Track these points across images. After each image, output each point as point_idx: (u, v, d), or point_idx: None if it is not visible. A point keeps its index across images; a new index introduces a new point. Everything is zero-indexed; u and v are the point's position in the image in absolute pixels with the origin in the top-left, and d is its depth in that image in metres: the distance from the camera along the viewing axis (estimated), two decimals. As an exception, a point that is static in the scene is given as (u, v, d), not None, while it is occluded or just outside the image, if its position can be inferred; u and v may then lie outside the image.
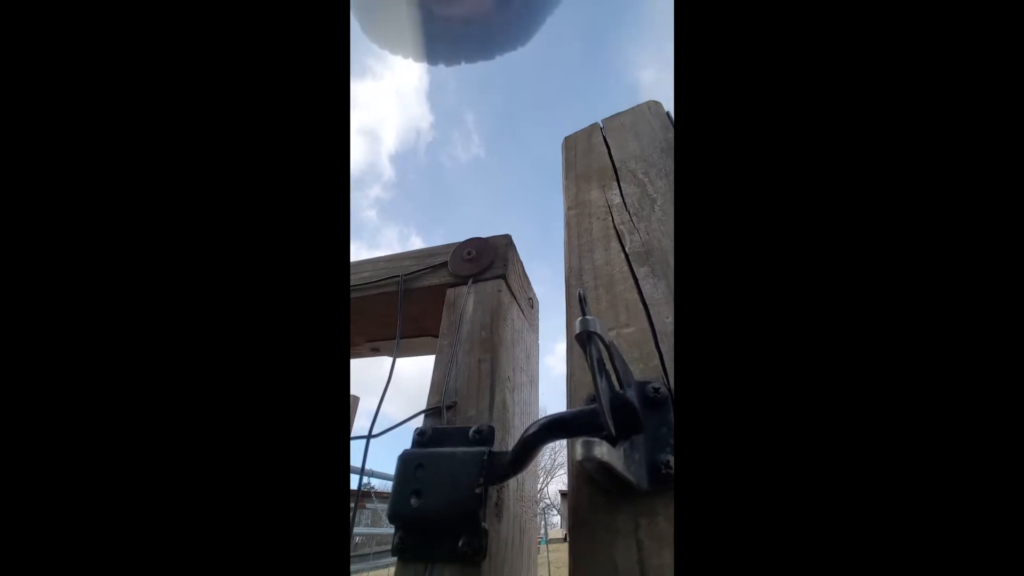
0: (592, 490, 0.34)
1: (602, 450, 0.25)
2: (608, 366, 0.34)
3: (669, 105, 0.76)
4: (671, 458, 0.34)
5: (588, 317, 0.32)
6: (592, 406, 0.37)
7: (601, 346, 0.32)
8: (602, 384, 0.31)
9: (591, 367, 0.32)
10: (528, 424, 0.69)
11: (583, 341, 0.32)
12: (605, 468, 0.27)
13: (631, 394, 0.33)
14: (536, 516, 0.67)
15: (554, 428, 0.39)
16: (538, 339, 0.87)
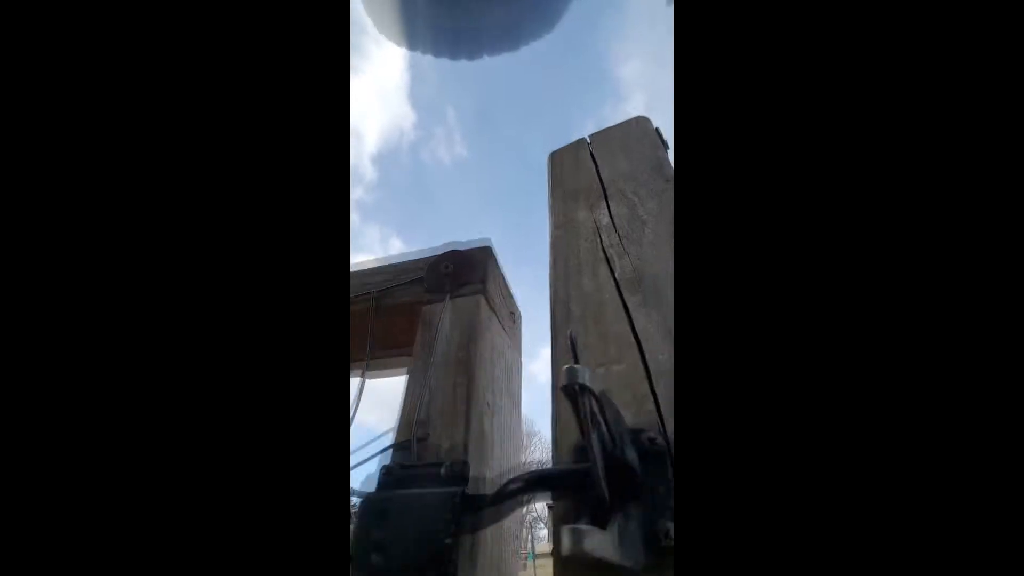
0: (581, 571, 0.30)
1: (593, 543, 0.21)
2: (599, 419, 0.30)
3: (659, 109, 0.74)
4: (671, 526, 0.29)
5: (576, 367, 0.27)
6: (582, 465, 0.33)
7: (591, 400, 0.28)
8: (596, 443, 0.27)
9: (582, 423, 0.28)
10: (509, 450, 0.65)
11: (572, 394, 0.27)
12: (597, 558, 0.23)
13: (630, 454, 0.29)
14: (516, 554, 0.62)
15: (540, 485, 0.35)
16: (521, 355, 0.83)
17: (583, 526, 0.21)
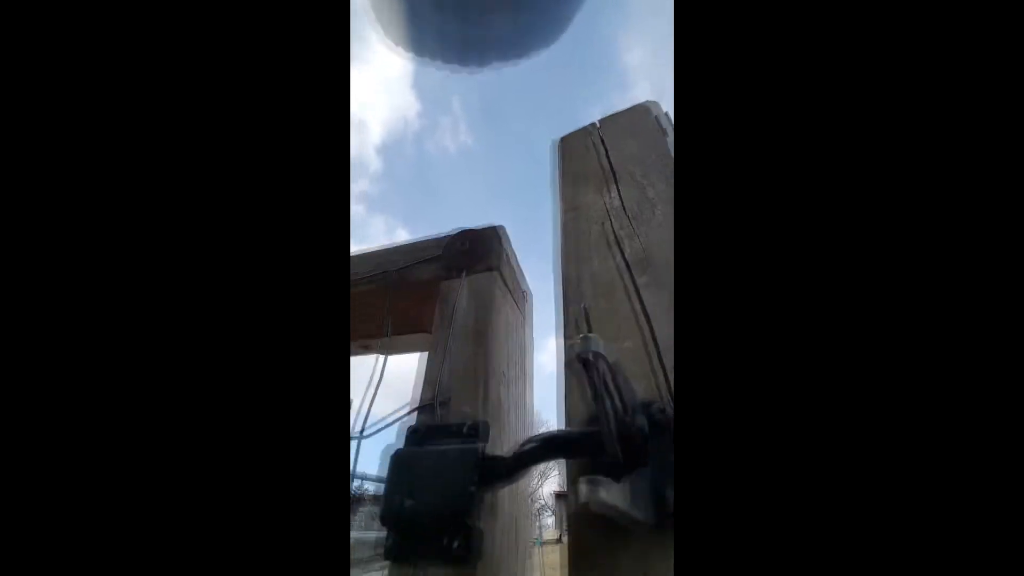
0: (595, 528, 0.31)
1: (609, 493, 0.22)
2: (611, 388, 0.31)
3: (665, 97, 0.74)
4: (680, 489, 0.31)
5: (590, 336, 0.29)
6: (594, 428, 0.34)
7: (604, 368, 0.29)
8: (607, 410, 0.29)
9: (593, 390, 0.29)
10: (521, 421, 0.67)
11: (585, 362, 0.29)
12: (611, 509, 0.25)
13: (640, 420, 0.31)
14: (530, 515, 0.64)
15: (554, 447, 0.36)
16: (532, 333, 0.85)
17: (600, 477, 0.22)
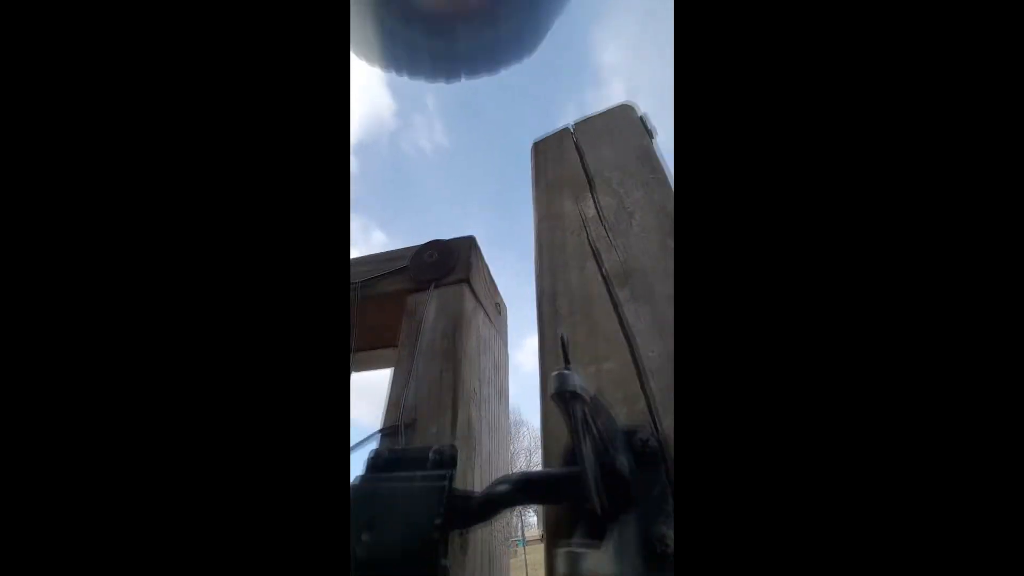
0: None
1: (590, 563, 0.20)
2: (591, 429, 0.28)
3: (639, 94, 0.72)
4: (667, 532, 0.28)
5: (567, 372, 0.26)
6: (573, 470, 0.31)
7: (582, 409, 0.26)
8: (587, 453, 0.26)
9: (572, 431, 0.26)
10: (497, 442, 0.64)
11: (564, 401, 0.26)
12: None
13: (621, 461, 0.28)
14: (506, 542, 0.61)
15: (529, 489, 0.33)
16: (507, 347, 0.82)
17: (577, 548, 0.20)
